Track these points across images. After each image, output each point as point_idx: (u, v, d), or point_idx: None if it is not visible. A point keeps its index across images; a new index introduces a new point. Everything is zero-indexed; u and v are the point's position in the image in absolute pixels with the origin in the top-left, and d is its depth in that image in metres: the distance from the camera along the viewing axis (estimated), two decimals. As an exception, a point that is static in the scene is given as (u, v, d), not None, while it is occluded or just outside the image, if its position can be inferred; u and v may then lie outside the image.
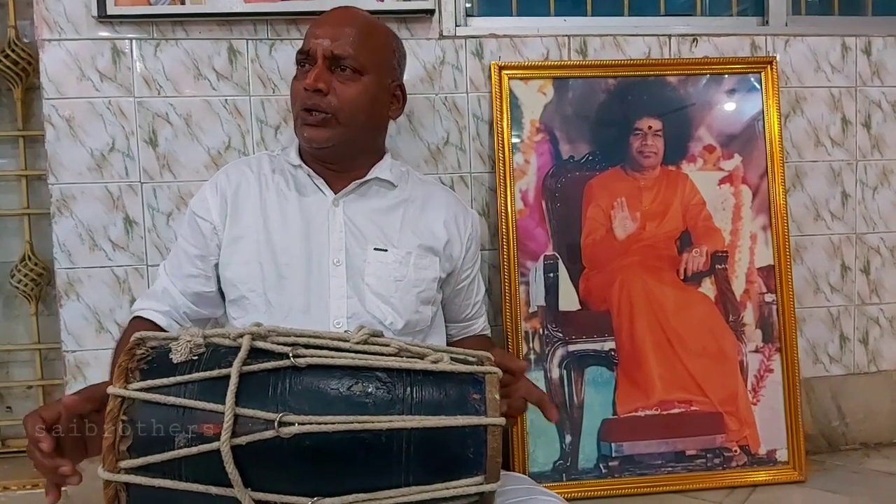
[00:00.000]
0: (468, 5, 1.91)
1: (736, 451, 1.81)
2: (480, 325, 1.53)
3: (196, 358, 0.88)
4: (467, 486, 0.84)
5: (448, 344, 1.48)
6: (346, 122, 1.29)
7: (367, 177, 1.35)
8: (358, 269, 1.29)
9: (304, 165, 1.35)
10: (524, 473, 1.71)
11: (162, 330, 1.29)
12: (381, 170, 1.37)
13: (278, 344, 0.89)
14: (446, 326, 1.48)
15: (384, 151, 1.42)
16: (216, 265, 1.34)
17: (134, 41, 1.73)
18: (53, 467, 0.90)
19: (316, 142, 1.30)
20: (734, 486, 1.79)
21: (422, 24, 1.81)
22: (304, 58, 1.30)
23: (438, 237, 1.36)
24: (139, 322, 1.31)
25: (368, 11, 1.71)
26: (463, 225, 1.42)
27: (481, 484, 0.84)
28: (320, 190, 1.34)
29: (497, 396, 0.87)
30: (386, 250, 1.31)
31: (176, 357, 0.88)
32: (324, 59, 1.27)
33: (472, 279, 1.47)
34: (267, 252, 1.29)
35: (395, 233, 1.33)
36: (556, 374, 1.79)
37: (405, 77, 1.79)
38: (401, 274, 1.30)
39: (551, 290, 1.80)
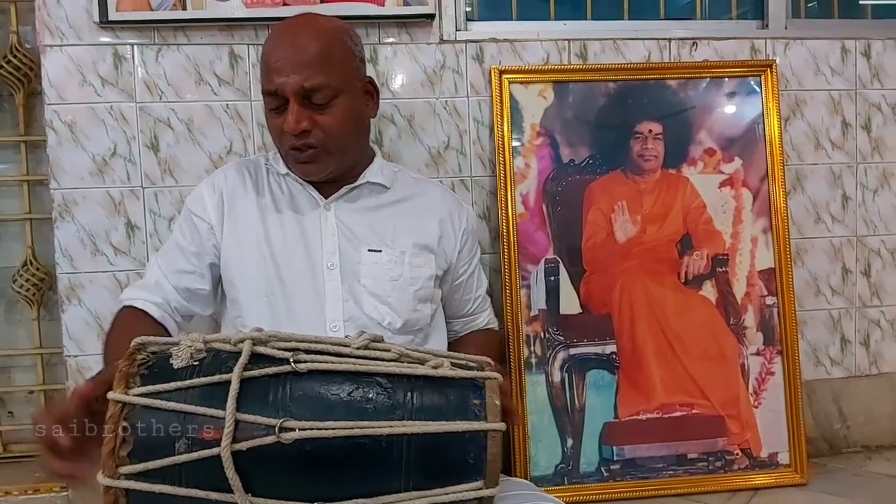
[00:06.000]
0: (468, 10, 1.91)
1: (737, 454, 1.81)
2: (485, 318, 1.54)
3: (197, 363, 0.89)
4: (466, 491, 0.84)
5: (453, 340, 1.48)
6: (336, 150, 1.28)
7: (359, 182, 1.36)
8: (353, 272, 1.30)
9: (291, 174, 1.35)
10: (525, 477, 1.71)
11: (154, 320, 1.29)
12: (373, 173, 1.38)
13: (279, 349, 0.89)
14: (450, 323, 1.49)
15: (373, 153, 1.42)
16: (211, 264, 1.35)
17: (135, 46, 1.73)
18: (69, 468, 0.90)
19: (315, 174, 1.31)
20: (736, 489, 1.79)
21: (422, 28, 1.81)
22: (274, 99, 1.25)
23: (432, 234, 1.37)
24: (130, 311, 1.30)
25: (369, 17, 1.74)
26: (458, 220, 1.42)
27: (480, 489, 0.84)
28: (311, 195, 1.35)
29: (497, 402, 0.88)
30: (380, 251, 1.31)
31: (177, 362, 0.88)
32: (296, 97, 1.23)
33: (471, 274, 1.47)
34: (267, 254, 1.30)
35: (389, 232, 1.34)
36: (557, 377, 1.78)
37: (405, 80, 1.82)
38: (396, 273, 1.31)
39: (552, 293, 1.80)
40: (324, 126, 1.25)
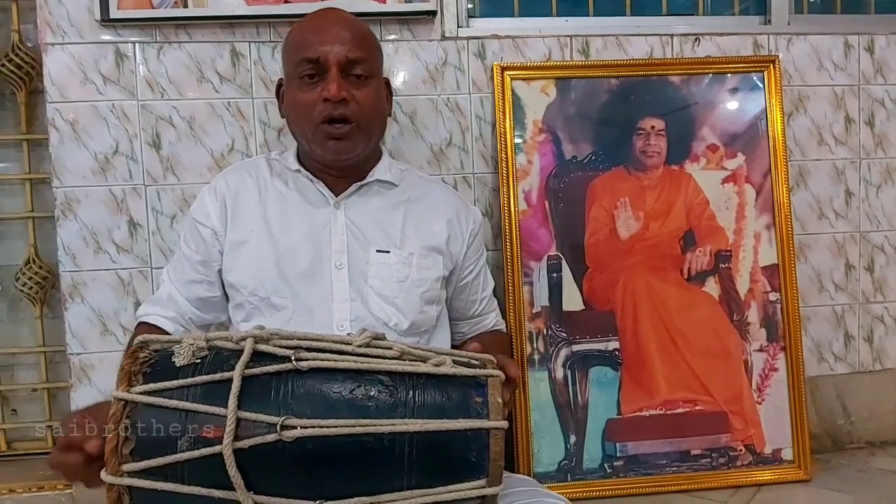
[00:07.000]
0: (470, 6, 1.91)
1: (741, 450, 1.81)
2: (492, 319, 1.53)
3: (199, 361, 0.89)
4: (469, 489, 0.84)
5: (461, 342, 1.49)
6: (366, 129, 1.30)
7: (368, 179, 1.36)
8: (361, 272, 1.30)
9: (302, 170, 1.35)
10: (528, 474, 1.71)
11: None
12: (381, 171, 1.37)
13: (281, 347, 0.89)
14: (457, 324, 1.49)
15: (381, 152, 1.43)
16: (219, 270, 1.35)
17: (137, 44, 1.73)
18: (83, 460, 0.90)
19: (345, 153, 1.29)
20: (739, 485, 1.79)
21: (424, 25, 1.81)
22: (312, 67, 1.26)
23: (440, 236, 1.37)
24: (146, 328, 1.32)
25: (371, 14, 1.74)
26: (465, 221, 1.42)
27: (483, 487, 0.84)
28: (321, 193, 1.34)
29: (500, 400, 0.87)
30: (388, 252, 1.31)
31: (179, 360, 0.88)
32: (338, 67, 1.25)
33: (477, 275, 1.47)
34: (270, 256, 1.29)
35: (398, 233, 1.34)
36: (560, 374, 1.78)
37: (407, 77, 1.82)
38: (404, 275, 1.31)
39: (555, 290, 1.80)
40: (360, 101, 1.27)
